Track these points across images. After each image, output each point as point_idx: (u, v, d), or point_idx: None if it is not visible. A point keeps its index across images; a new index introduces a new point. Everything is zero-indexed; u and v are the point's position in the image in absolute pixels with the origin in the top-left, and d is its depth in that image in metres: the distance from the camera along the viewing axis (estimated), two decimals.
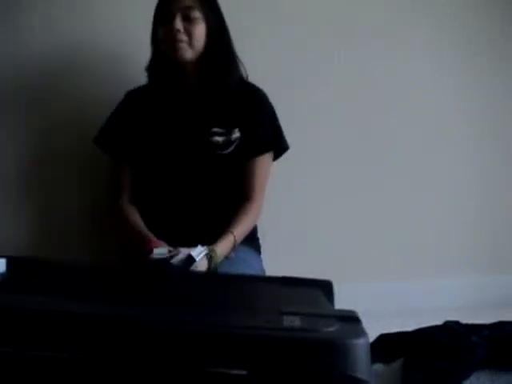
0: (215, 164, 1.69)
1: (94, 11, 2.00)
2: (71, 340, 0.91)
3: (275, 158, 1.80)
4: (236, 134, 1.70)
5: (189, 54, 1.64)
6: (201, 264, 1.49)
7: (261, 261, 1.77)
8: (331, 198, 2.19)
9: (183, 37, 1.62)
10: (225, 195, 1.72)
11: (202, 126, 1.70)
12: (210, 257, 1.52)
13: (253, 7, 2.08)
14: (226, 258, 1.60)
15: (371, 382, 0.91)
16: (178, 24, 1.61)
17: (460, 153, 2.30)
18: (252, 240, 1.77)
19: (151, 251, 1.49)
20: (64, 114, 2.02)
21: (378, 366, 1.23)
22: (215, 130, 1.70)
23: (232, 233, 1.63)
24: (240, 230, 1.66)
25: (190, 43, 1.63)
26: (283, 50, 2.12)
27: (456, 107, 2.29)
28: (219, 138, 1.69)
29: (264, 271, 1.73)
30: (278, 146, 1.78)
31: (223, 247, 1.59)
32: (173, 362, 0.90)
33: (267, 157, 1.76)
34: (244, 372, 0.88)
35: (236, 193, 1.73)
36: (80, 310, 0.95)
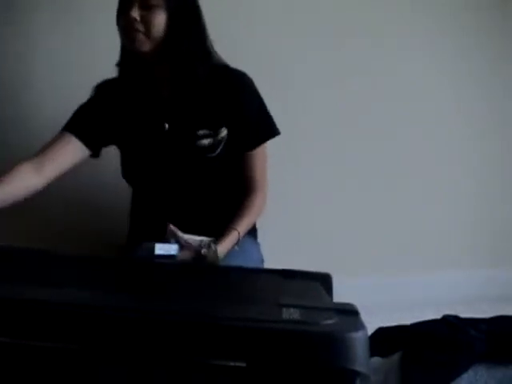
0: (206, 167, 1.61)
1: (94, 10, 2.01)
2: (69, 331, 0.91)
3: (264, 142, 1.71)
4: (223, 133, 1.60)
5: (146, 45, 1.52)
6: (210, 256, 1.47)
7: (259, 246, 1.74)
8: (331, 191, 2.20)
9: (139, 26, 1.51)
10: (219, 196, 1.66)
11: (187, 130, 1.60)
12: (211, 251, 1.48)
13: (252, 5, 2.09)
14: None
15: (370, 375, 0.91)
16: (135, 12, 1.49)
17: (461, 151, 2.30)
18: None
19: None
20: (64, 112, 2.03)
21: (377, 360, 1.23)
22: (201, 132, 1.60)
23: (236, 229, 1.57)
24: (243, 226, 1.60)
25: (147, 33, 1.51)
26: (282, 48, 2.13)
27: (456, 107, 2.30)
28: (206, 141, 1.60)
29: (262, 258, 1.71)
30: (270, 136, 1.69)
31: (226, 246, 1.54)
32: (171, 354, 0.90)
33: (262, 147, 1.67)
34: (243, 364, 0.88)
35: (230, 191, 1.67)
36: (78, 300, 0.95)
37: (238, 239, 1.59)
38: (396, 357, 1.20)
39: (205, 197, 1.65)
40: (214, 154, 1.60)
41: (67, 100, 1.99)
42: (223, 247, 1.53)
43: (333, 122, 2.20)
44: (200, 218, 1.65)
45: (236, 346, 0.89)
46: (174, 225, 1.52)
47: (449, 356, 1.15)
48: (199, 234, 1.54)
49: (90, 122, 1.63)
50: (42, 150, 1.59)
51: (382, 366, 1.20)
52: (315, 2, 2.16)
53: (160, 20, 1.52)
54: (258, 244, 1.76)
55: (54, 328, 0.90)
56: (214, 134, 1.59)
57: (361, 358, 0.90)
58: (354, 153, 2.21)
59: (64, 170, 1.61)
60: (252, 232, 1.74)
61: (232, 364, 0.89)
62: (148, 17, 1.51)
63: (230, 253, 1.55)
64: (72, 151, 1.61)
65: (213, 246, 1.49)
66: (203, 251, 1.46)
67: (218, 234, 1.57)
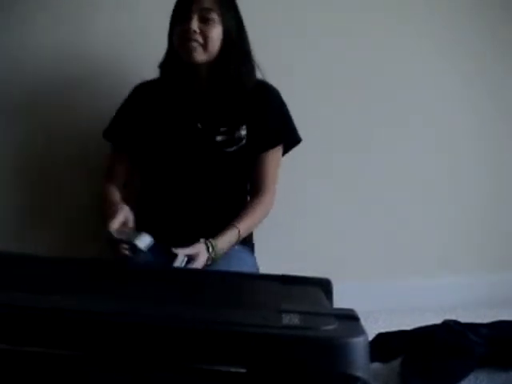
0: (223, 161, 1.70)
1: (97, 12, 2.01)
2: (67, 337, 0.91)
3: (287, 150, 1.80)
4: (243, 131, 1.70)
5: (202, 56, 1.62)
6: (201, 256, 1.50)
7: (255, 259, 1.77)
8: (330, 196, 2.19)
9: (198, 38, 1.61)
10: (232, 192, 1.73)
11: (210, 124, 1.70)
12: (211, 249, 1.53)
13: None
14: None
15: (370, 380, 0.91)
16: (195, 24, 1.59)
17: (463, 151, 2.29)
18: (245, 239, 1.76)
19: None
20: (65, 113, 2.03)
21: (377, 365, 1.23)
22: (222, 129, 1.69)
23: (237, 227, 1.63)
24: (245, 225, 1.65)
25: (205, 46, 1.62)
26: (284, 37, 2.11)
27: (458, 102, 2.27)
28: (226, 136, 1.69)
29: (258, 270, 1.73)
30: (288, 139, 1.78)
31: (225, 241, 1.59)
32: (172, 360, 0.90)
33: (277, 150, 1.76)
34: (243, 370, 0.88)
35: (243, 189, 1.74)
36: (71, 306, 0.95)
37: (238, 238, 1.64)
38: (396, 362, 1.20)
39: (217, 192, 1.71)
40: (231, 149, 1.69)
41: None
42: (222, 242, 1.58)
43: (332, 123, 2.19)
44: (207, 213, 1.70)
45: (236, 352, 0.89)
46: (182, 220, 1.68)
47: (449, 361, 1.15)
48: (202, 230, 1.62)
49: (135, 136, 1.75)
50: (111, 171, 1.77)
51: (383, 371, 1.20)
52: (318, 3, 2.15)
53: (217, 34, 1.63)
54: (254, 256, 1.79)
55: (53, 334, 0.90)
56: (234, 130, 1.69)
57: (361, 364, 0.90)
58: (351, 157, 2.20)
59: None
60: (249, 245, 1.78)
61: (232, 370, 0.89)
62: (206, 30, 1.61)
63: (227, 260, 1.58)
64: (129, 165, 1.79)
65: (212, 241, 1.55)
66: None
67: (219, 230, 1.61)
